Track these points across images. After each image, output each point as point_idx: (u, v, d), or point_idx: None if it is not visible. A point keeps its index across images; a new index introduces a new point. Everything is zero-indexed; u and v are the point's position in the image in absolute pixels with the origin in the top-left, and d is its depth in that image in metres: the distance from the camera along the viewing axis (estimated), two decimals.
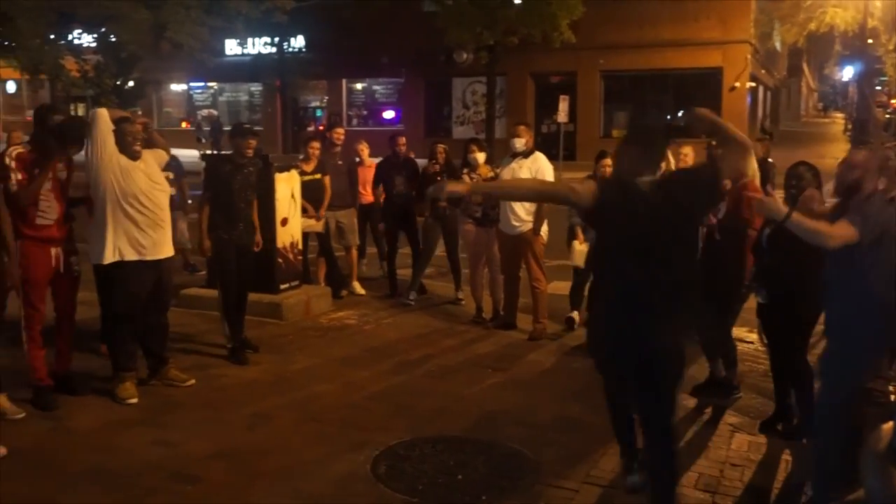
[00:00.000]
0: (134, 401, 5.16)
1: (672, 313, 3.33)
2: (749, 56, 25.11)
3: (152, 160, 5.29)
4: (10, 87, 37.51)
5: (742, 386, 5.47)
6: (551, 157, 7.48)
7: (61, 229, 5.10)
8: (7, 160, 4.81)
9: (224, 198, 6.07)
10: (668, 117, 25.45)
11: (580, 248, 7.00)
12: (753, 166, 5.31)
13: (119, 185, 5.04)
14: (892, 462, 0.58)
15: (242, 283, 6.26)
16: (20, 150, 4.94)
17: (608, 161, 6.69)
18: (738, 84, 24.56)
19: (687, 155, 6.55)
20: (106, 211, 5.07)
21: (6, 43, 20.31)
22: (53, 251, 5.06)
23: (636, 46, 24.12)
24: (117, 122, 5.12)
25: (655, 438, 3.50)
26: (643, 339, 3.33)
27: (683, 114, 3.23)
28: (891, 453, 0.60)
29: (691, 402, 5.35)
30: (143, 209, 5.13)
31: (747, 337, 6.58)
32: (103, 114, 5.10)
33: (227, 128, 30.45)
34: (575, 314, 7.20)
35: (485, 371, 6.05)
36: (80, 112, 36.16)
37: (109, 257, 5.09)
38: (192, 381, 5.52)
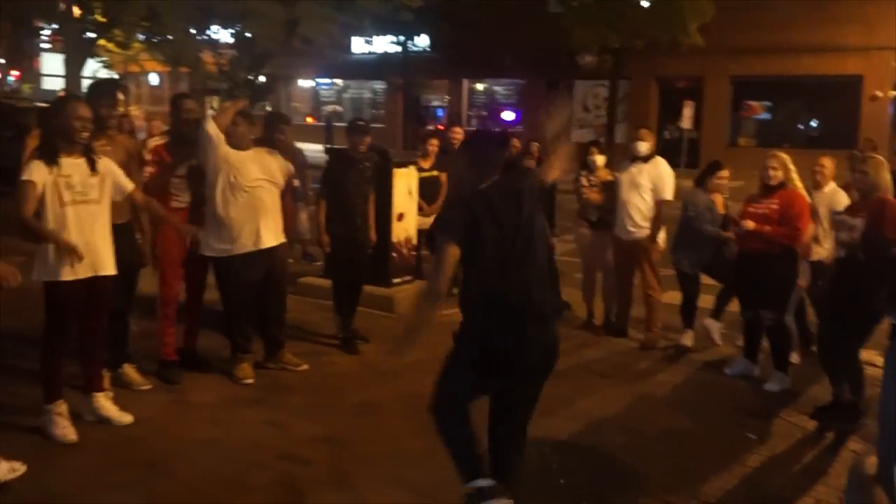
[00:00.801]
0: (250, 381, 5.37)
1: (540, 308, 3.39)
2: (894, 63, 23.62)
3: (265, 150, 5.47)
4: (154, 79, 39.80)
5: (869, 412, 5.16)
6: (673, 165, 7.29)
7: (194, 213, 5.34)
8: (144, 152, 5.10)
9: (340, 193, 6.21)
10: (801, 126, 24.36)
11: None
12: (887, 179, 5.00)
13: (232, 180, 5.21)
14: (880, 492, 0.53)
15: (357, 277, 6.40)
16: (158, 142, 5.22)
17: (724, 174, 6.51)
18: (879, 93, 23.14)
19: (825, 167, 6.21)
20: (218, 203, 5.25)
21: (154, 39, 21.57)
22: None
23: (769, 51, 23.05)
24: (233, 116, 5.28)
25: (512, 435, 3.60)
26: (523, 336, 3.33)
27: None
28: (876, 484, 0.54)
29: (811, 425, 5.09)
30: (255, 200, 5.29)
31: (877, 360, 6.19)
32: (211, 127, 5.16)
33: (340, 123, 31.18)
34: (688, 335, 6.89)
35: (593, 377, 5.96)
36: (215, 104, 37.96)
37: (221, 248, 5.30)
38: (306, 367, 5.70)
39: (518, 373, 3.42)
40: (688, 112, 21.28)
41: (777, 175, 5.74)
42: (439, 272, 3.37)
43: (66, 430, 4.27)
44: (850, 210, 5.30)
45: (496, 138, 3.98)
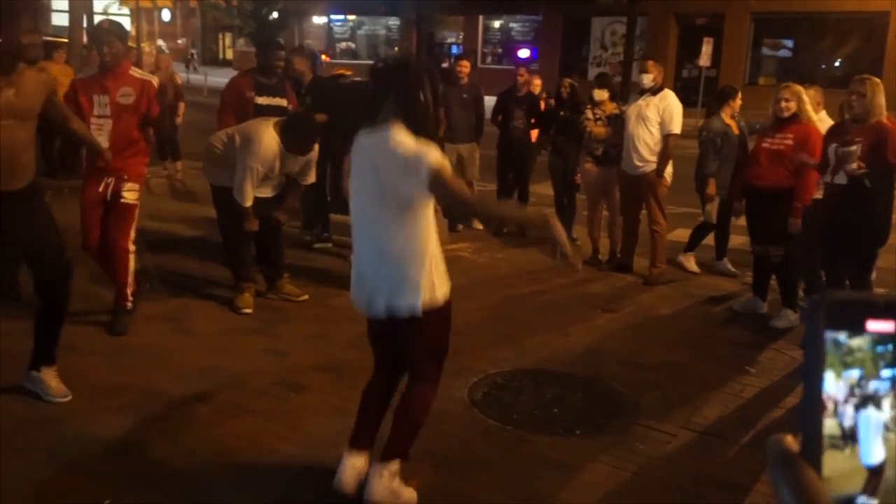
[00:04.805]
0: (249, 311, 5.42)
1: None
2: None
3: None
4: (165, 15, 39.38)
5: None
6: (690, 104, 7.22)
7: (117, 158, 4.82)
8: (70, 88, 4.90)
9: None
10: (823, 66, 23.79)
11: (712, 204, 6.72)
12: (882, 103, 4.88)
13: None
14: (808, 469, 0.51)
15: None
16: (82, 77, 5.04)
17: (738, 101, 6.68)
18: None
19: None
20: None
21: None
22: (105, 178, 4.90)
23: None
24: None
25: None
26: None
27: None
28: (802, 460, 0.52)
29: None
30: None
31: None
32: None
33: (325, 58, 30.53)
34: (689, 258, 7.02)
35: (594, 311, 5.97)
36: (227, 41, 37.53)
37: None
38: (306, 297, 5.74)
39: None
40: (706, 49, 20.77)
41: (790, 106, 5.56)
42: None
43: None
44: (838, 134, 5.17)
45: None
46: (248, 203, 5.17)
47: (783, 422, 4.19)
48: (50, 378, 3.98)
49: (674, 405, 4.32)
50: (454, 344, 5.04)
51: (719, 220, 6.87)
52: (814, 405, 0.56)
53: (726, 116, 6.68)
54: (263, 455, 3.60)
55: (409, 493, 3.22)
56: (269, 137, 5.10)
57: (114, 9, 35.05)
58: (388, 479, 3.15)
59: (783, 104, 5.58)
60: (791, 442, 0.58)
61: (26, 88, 3.73)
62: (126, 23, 37.78)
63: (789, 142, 5.53)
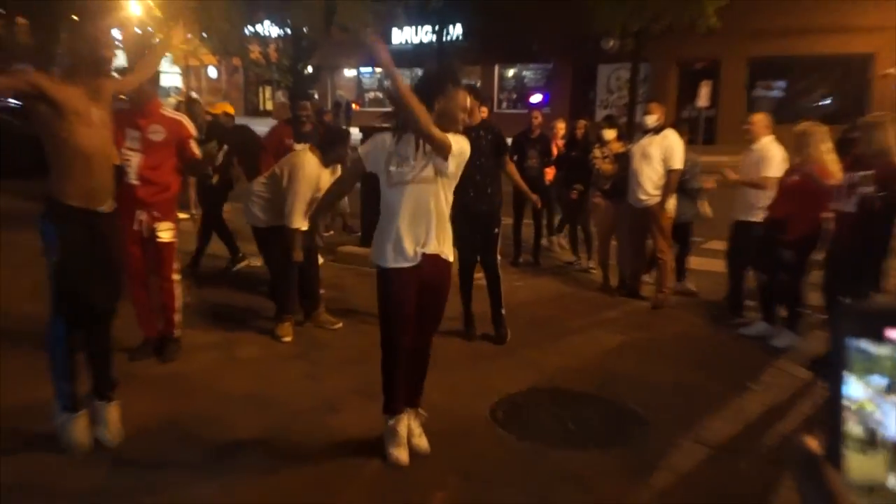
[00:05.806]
0: (289, 339, 5.44)
1: None
2: None
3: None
4: (212, 72, 40.15)
5: None
6: (690, 141, 7.24)
7: (148, 192, 4.69)
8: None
9: None
10: (815, 104, 23.65)
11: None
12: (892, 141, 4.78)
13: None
14: (834, 474, 0.47)
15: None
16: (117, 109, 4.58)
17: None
18: (892, 70, 22.33)
19: (753, 123, 6.15)
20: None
21: (203, 34, 21.73)
22: (137, 213, 4.68)
23: (783, 32, 22.34)
24: None
25: None
26: None
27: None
28: (827, 464, 0.47)
29: (809, 376, 5.00)
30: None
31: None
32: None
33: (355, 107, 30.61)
34: (685, 285, 7.09)
35: (608, 334, 5.92)
36: (268, 94, 38.12)
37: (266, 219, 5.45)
38: (340, 325, 5.75)
39: None
40: (704, 91, 20.80)
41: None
42: None
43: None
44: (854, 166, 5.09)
45: None
46: (301, 226, 5.18)
47: (791, 435, 4.11)
48: (113, 414, 3.77)
49: (684, 422, 4.25)
50: (476, 367, 5.06)
51: (682, 242, 7.02)
52: (836, 408, 0.55)
53: None
54: (305, 473, 3.59)
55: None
56: (309, 161, 5.26)
57: (165, 66, 35.83)
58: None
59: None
60: (813, 444, 0.57)
61: (106, 97, 3.61)
62: (177, 80, 38.27)
63: (795, 177, 5.42)
